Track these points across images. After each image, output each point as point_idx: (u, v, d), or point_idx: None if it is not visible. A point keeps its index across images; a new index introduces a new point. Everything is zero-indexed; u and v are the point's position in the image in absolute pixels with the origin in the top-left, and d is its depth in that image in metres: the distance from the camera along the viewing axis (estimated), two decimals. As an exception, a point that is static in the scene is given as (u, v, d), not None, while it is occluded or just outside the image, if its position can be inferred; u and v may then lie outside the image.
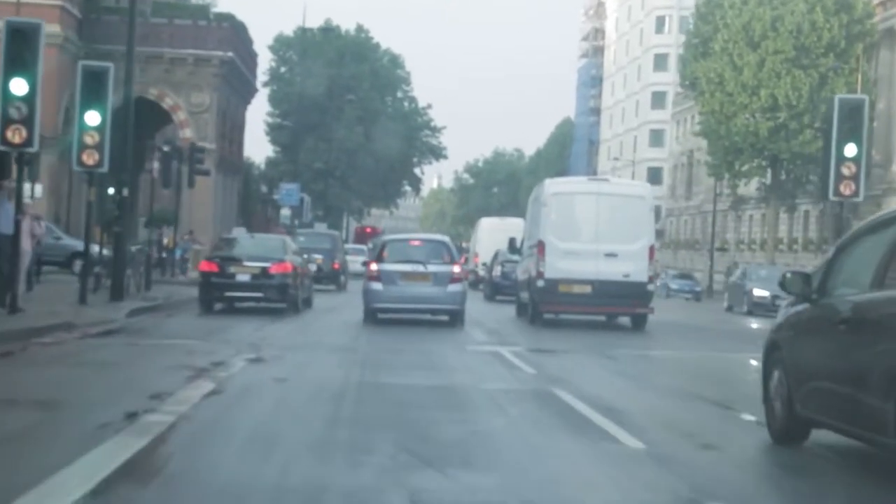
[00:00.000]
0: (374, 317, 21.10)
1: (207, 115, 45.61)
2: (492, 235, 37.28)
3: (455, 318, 21.26)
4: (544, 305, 22.28)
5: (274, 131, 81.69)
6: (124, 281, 22.57)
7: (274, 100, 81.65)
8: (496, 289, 34.10)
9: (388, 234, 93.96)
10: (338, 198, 78.88)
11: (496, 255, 34.66)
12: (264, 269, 21.68)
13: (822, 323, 7.63)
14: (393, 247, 22.20)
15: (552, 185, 23.55)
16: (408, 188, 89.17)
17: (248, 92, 56.85)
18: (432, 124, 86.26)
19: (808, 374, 7.78)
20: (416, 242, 23.13)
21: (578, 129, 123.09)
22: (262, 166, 78.33)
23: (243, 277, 21.79)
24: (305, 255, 26.12)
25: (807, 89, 49.25)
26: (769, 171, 54.17)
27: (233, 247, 23.53)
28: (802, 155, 50.44)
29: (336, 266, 34.57)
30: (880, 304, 6.85)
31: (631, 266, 21.75)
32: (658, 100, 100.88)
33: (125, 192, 23.04)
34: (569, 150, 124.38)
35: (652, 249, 22.20)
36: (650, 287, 22.32)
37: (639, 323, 22.36)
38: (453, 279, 21.10)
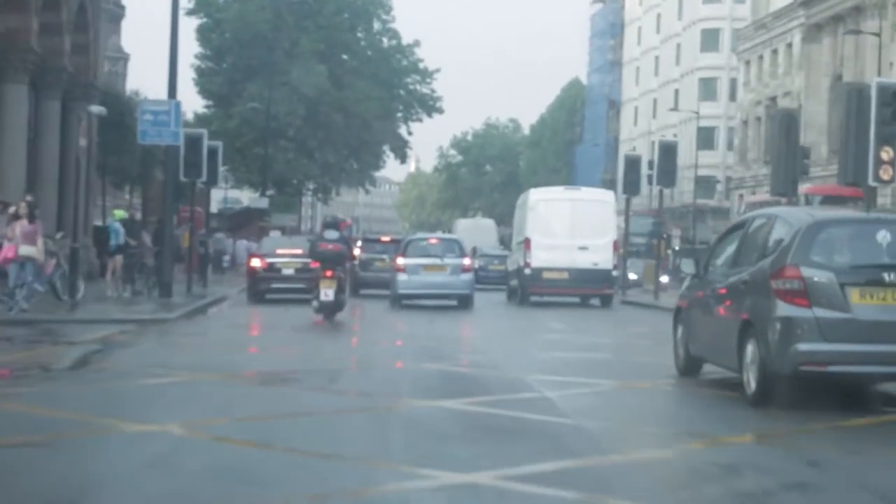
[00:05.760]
0: (399, 302, 26.83)
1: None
2: (468, 234, 41.35)
3: (465, 302, 27.06)
4: (531, 289, 29.41)
5: (204, 78, 59.35)
6: None
7: (203, 36, 59.41)
8: (476, 279, 41.40)
9: (363, 230, 73.07)
10: (291, 167, 55.52)
11: (475, 251, 40.01)
12: (306, 264, 24.65)
13: (703, 291, 12.40)
14: (414, 245, 28.46)
15: (535, 194, 30.91)
16: (390, 156, 65.34)
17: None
18: (421, 66, 62.86)
19: (697, 327, 12.54)
20: (434, 241, 29.66)
21: (592, 89, 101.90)
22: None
23: (288, 271, 27.21)
24: None
25: None
26: None
27: (277, 245, 29.33)
28: None
29: None
30: (731, 279, 11.50)
31: (599, 256, 28.84)
32: (710, 40, 78.29)
33: None
34: (579, 116, 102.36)
35: (615, 243, 29.86)
36: (614, 273, 30.15)
37: (606, 302, 29.57)
38: (464, 269, 27.20)
